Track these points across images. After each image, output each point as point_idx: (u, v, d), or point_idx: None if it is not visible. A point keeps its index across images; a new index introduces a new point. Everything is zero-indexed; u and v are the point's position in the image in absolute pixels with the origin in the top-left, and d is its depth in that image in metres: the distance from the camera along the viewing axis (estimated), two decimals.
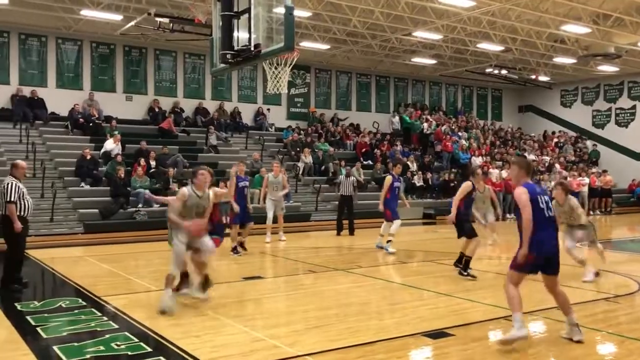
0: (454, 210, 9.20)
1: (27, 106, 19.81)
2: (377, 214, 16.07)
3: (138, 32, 19.99)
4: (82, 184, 17.42)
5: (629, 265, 11.26)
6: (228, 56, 9.09)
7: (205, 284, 7.40)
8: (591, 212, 24.46)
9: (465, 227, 9.36)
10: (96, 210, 16.31)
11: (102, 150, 18.76)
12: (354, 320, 6.72)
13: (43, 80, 20.81)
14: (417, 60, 26.30)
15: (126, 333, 6.08)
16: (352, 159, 23.39)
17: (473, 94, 32.56)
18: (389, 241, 12.28)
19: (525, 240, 5.44)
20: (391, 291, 8.66)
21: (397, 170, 13.06)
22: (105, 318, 6.73)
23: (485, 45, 23.37)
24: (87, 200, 16.78)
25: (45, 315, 6.87)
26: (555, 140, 30.97)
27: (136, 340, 5.84)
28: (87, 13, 18.76)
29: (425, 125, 27.30)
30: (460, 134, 27.57)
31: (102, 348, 5.57)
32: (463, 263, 9.29)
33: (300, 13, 18.22)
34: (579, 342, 5.67)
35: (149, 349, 5.57)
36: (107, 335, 5.98)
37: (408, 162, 23.37)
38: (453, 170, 24.20)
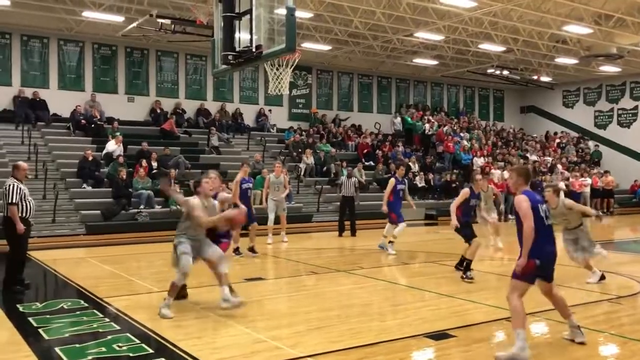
0: (453, 216, 9.22)
1: (29, 107, 19.83)
2: (378, 215, 16.04)
3: (140, 33, 20.00)
4: (84, 185, 17.42)
5: (631, 266, 11.25)
6: (229, 57, 9.08)
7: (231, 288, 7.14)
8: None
9: (462, 233, 9.38)
10: (98, 212, 16.32)
11: (104, 152, 18.76)
12: (356, 321, 6.71)
13: (45, 82, 20.84)
14: (419, 61, 26.29)
15: (128, 334, 6.08)
16: (354, 160, 23.37)
17: (475, 95, 32.54)
18: (390, 242, 12.28)
19: (526, 250, 5.33)
20: (393, 292, 8.66)
21: (401, 172, 13.03)
22: (107, 319, 6.74)
23: (486, 46, 23.35)
24: (89, 201, 16.79)
25: (47, 316, 6.88)
26: (557, 140, 30.93)
27: (138, 341, 5.84)
28: (89, 14, 18.79)
29: (427, 126, 27.28)
30: (462, 134, 27.55)
31: (103, 349, 5.57)
32: (464, 266, 9.29)
33: (301, 14, 18.21)
34: (581, 343, 5.66)
35: (151, 351, 5.58)
36: (109, 337, 5.99)
37: (410, 163, 23.35)
38: (455, 171, 24.17)
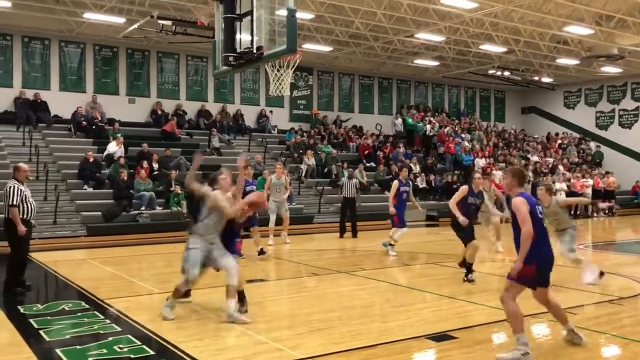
0: (458, 213, 9.13)
1: (30, 109, 19.85)
2: (380, 216, 16.04)
3: (141, 34, 20.00)
4: (85, 186, 17.43)
5: (632, 267, 11.23)
6: (230, 58, 9.08)
7: (242, 301, 6.93)
8: (595, 215, 24.44)
9: (460, 234, 9.36)
10: (99, 213, 16.32)
11: (105, 153, 18.76)
12: (357, 323, 6.71)
13: (46, 83, 20.86)
14: (420, 62, 26.28)
15: (129, 336, 6.08)
16: (355, 161, 23.37)
17: (476, 96, 32.53)
18: (391, 244, 12.26)
19: (523, 255, 5.22)
20: (394, 294, 8.64)
21: (404, 174, 12.93)
22: (108, 321, 6.73)
23: (487, 47, 23.34)
24: (90, 202, 16.79)
25: (48, 318, 6.88)
26: (559, 141, 30.92)
27: (139, 343, 5.84)
28: (90, 16, 18.81)
29: (428, 127, 27.27)
30: (463, 135, 27.54)
31: (104, 351, 5.57)
32: (465, 268, 9.27)
33: (302, 15, 18.23)
34: (579, 345, 5.63)
35: (152, 352, 5.57)
36: (110, 338, 5.99)
37: (411, 164, 23.35)
38: (456, 172, 24.15)
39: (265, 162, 20.69)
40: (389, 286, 9.23)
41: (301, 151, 22.64)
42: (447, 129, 27.20)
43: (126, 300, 7.97)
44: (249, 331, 6.29)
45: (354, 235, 16.03)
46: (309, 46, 22.13)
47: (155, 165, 18.60)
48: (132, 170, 17.87)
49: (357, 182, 17.28)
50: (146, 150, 19.00)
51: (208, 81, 23.85)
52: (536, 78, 29.13)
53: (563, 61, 25.87)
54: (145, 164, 18.00)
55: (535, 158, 27.54)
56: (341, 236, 16.08)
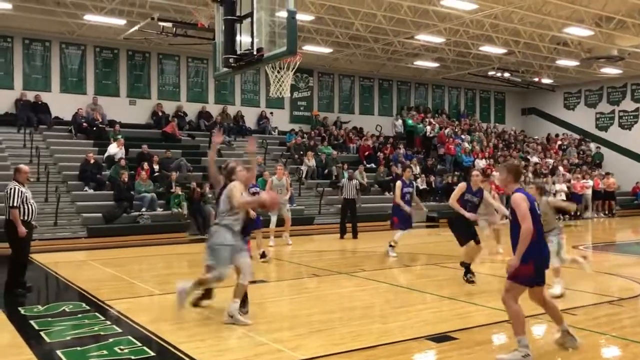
0: (462, 210, 9.11)
1: (31, 111, 19.87)
2: (380, 217, 16.01)
3: (141, 36, 20.05)
4: (86, 188, 17.44)
5: (632, 268, 11.24)
6: (231, 60, 9.09)
7: (244, 302, 6.92)
8: (595, 215, 24.47)
9: (457, 233, 9.37)
10: (100, 215, 16.34)
11: (106, 155, 18.78)
12: (357, 324, 6.72)
13: (47, 85, 20.88)
14: (420, 63, 26.30)
15: (129, 337, 6.09)
16: (355, 162, 23.38)
17: (476, 97, 32.54)
18: (391, 246, 12.26)
19: (520, 252, 5.14)
20: (394, 294, 8.65)
21: (407, 175, 12.83)
22: (108, 322, 6.74)
23: (487, 48, 23.36)
24: (90, 204, 16.81)
25: (49, 319, 6.89)
26: (559, 142, 30.93)
27: (139, 344, 5.84)
28: (90, 18, 18.83)
29: (428, 128, 27.29)
30: (463, 136, 27.56)
31: (105, 352, 5.58)
32: (465, 268, 9.27)
33: (302, 17, 18.25)
34: (573, 348, 5.52)
35: (152, 353, 5.58)
36: (111, 340, 5.99)
37: (411, 165, 23.34)
38: (456, 173, 24.16)
39: (266, 164, 20.71)
40: (390, 287, 9.23)
41: (301, 152, 22.66)
42: (447, 130, 27.22)
43: (127, 301, 7.98)
44: (249, 332, 6.30)
45: (355, 236, 16.03)
46: (309, 48, 22.15)
47: (156, 167, 18.62)
48: (132, 172, 17.89)
49: (357, 183, 17.29)
50: (147, 152, 19.02)
51: (208, 83, 23.88)
52: (536, 79, 29.17)
53: (563, 62, 25.90)
54: (145, 165, 18.02)
55: (535, 159, 27.54)
56: (341, 237, 16.09)
